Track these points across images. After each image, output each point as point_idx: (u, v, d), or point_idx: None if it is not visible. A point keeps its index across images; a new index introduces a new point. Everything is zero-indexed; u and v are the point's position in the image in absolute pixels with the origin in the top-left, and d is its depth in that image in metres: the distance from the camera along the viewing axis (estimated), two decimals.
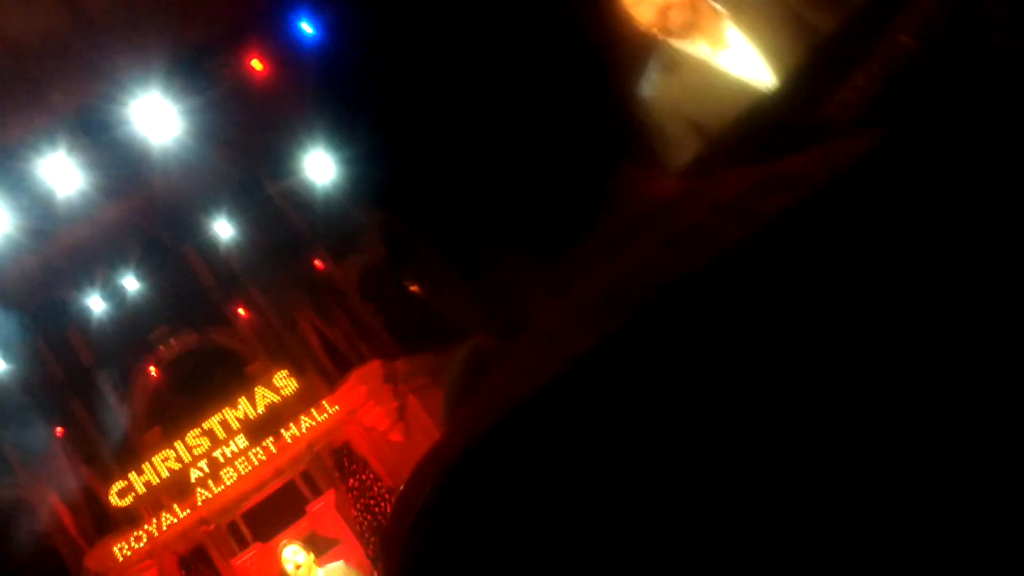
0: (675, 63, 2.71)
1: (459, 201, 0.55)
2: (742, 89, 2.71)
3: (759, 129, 2.31)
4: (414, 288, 0.64)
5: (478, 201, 0.54)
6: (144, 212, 12.63)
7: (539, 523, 0.39)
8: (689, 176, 0.54)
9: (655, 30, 2.67)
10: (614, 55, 0.56)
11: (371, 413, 12.71)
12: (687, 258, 0.45)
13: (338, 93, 0.59)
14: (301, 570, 5.17)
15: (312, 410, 12.65)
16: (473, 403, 0.47)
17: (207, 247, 13.25)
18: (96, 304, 12.88)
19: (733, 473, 0.38)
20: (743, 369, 0.40)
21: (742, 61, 2.72)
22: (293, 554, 5.24)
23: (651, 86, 2.68)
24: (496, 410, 0.43)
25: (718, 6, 2.71)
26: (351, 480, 12.38)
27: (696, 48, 2.71)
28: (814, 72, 2.69)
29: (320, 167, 12.12)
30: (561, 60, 0.54)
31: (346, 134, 0.59)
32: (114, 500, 12.38)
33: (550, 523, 0.39)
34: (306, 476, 12.82)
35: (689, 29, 2.67)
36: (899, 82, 2.58)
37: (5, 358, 12.51)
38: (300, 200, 13.07)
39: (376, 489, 12.26)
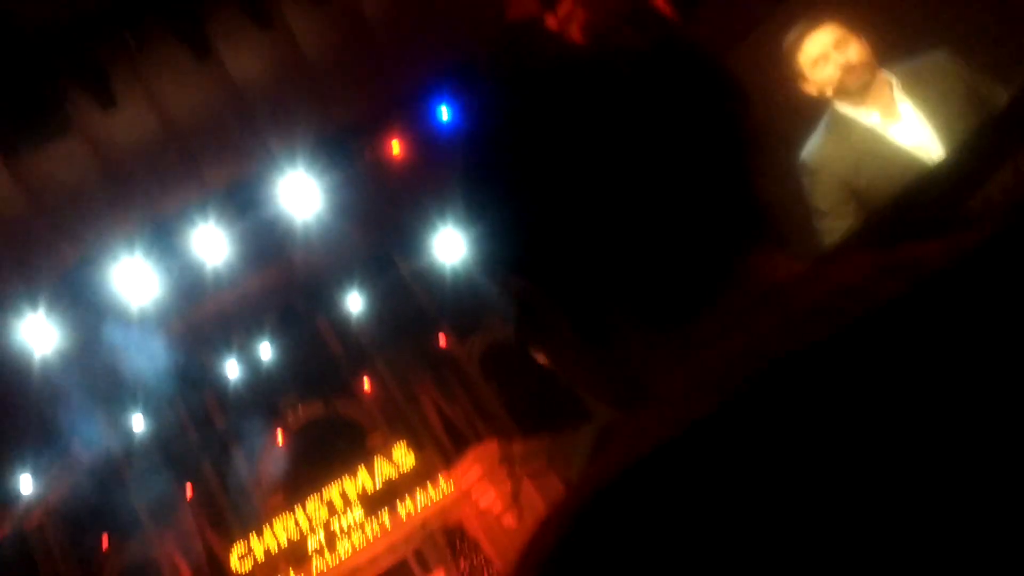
0: (845, 127, 2.70)
1: (590, 272, 0.57)
2: (908, 162, 2.66)
3: (902, 220, 2.23)
4: (540, 358, 0.66)
5: (608, 273, 0.57)
6: (282, 284, 13.23)
7: None
8: (815, 259, 0.55)
9: (831, 91, 2.68)
10: (755, 136, 0.59)
11: (485, 494, 12.58)
12: (804, 336, 0.46)
13: (477, 166, 0.63)
14: None
15: (428, 486, 12.67)
16: (594, 466, 0.48)
17: (338, 320, 13.69)
18: (232, 370, 13.45)
19: (844, 549, 0.38)
20: (851, 442, 0.41)
21: (912, 134, 2.67)
22: None
23: (816, 148, 2.68)
24: (613, 470, 0.45)
25: (892, 77, 2.68)
26: (462, 562, 12.25)
27: (867, 115, 2.69)
28: (963, 164, 2.58)
29: (448, 245, 12.42)
30: (699, 138, 0.56)
31: (485, 204, 0.62)
32: (234, 564, 12.66)
33: None
34: (418, 555, 12.78)
35: (865, 93, 2.66)
36: None
37: (145, 415, 13.16)
38: (428, 277, 13.40)
39: (487, 573, 12.07)
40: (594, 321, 0.58)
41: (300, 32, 7.05)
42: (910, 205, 2.30)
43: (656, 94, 0.56)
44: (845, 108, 2.66)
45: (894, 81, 2.66)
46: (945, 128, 2.62)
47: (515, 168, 0.59)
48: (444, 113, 8.75)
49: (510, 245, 0.61)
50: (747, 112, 0.59)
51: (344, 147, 8.93)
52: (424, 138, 9.25)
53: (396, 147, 9.95)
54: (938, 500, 0.39)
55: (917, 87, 2.66)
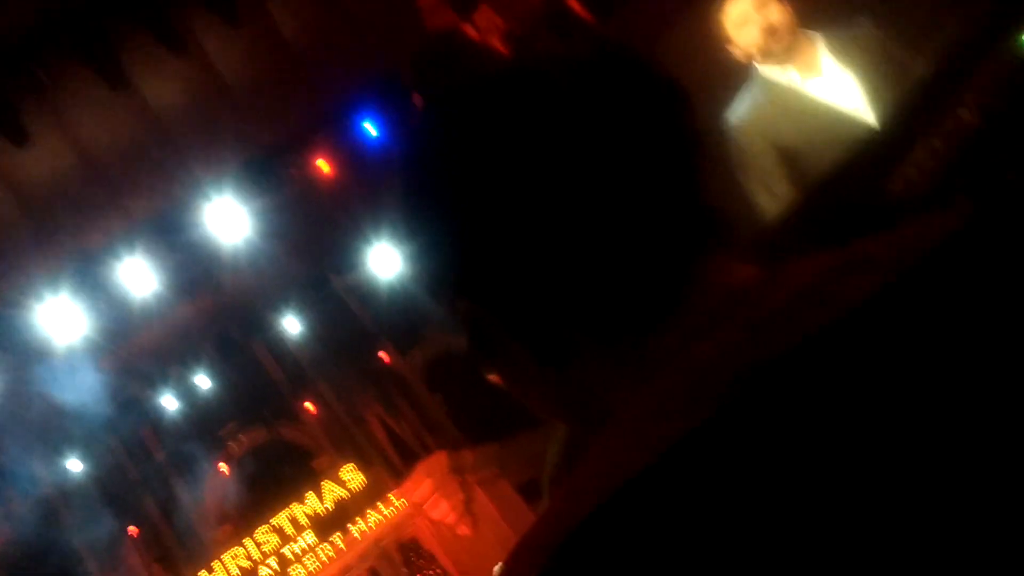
0: (767, 87, 2.74)
1: (537, 289, 0.54)
2: (827, 113, 2.71)
3: (824, 208, 2.29)
4: (493, 378, 0.63)
5: (556, 289, 0.54)
6: (215, 311, 12.97)
7: None
8: (764, 261, 0.54)
9: (755, 53, 2.72)
10: (698, 138, 0.56)
11: (438, 506, 12.56)
12: (769, 345, 0.44)
13: (413, 189, 0.59)
14: None
15: (379, 504, 12.56)
16: (567, 492, 0.47)
17: (275, 343, 13.49)
18: (169, 403, 13.13)
19: (824, 557, 0.37)
20: (831, 455, 0.39)
21: (832, 88, 2.73)
22: None
23: (740, 111, 2.71)
24: (586, 502, 0.43)
25: (814, 33, 2.74)
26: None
27: (788, 74, 2.74)
28: (875, 150, 2.67)
29: (383, 260, 12.34)
30: (641, 144, 0.54)
31: (424, 227, 0.59)
32: None
33: None
34: (374, 573, 12.65)
35: (787, 54, 2.71)
36: (961, 157, 2.54)
37: (82, 459, 12.77)
38: (365, 294, 13.29)
39: None
40: (547, 340, 0.55)
41: (216, 56, 6.94)
42: (837, 187, 2.36)
43: (594, 100, 0.54)
44: (767, 70, 2.72)
45: (820, 41, 2.71)
46: (869, 89, 2.69)
47: (451, 189, 0.56)
48: (370, 129, 8.72)
49: (452, 267, 0.58)
50: (689, 114, 0.57)
51: (271, 169, 8.82)
52: (352, 154, 9.19)
53: (324, 165, 9.86)
54: (932, 506, 0.37)
55: (843, 51, 2.73)
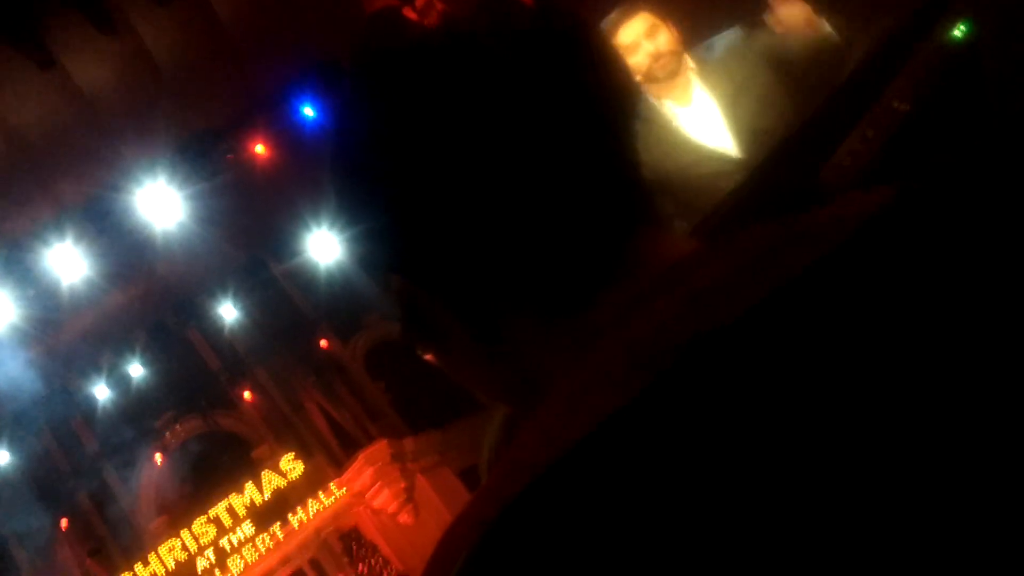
0: (648, 113, 2.79)
1: (471, 264, 0.54)
2: (686, 147, 2.78)
3: (760, 194, 2.33)
4: (429, 358, 0.62)
5: (491, 263, 0.53)
6: (149, 298, 12.68)
7: None
8: (705, 235, 0.54)
9: (640, 77, 2.75)
10: (623, 112, 0.55)
11: (379, 495, 12.52)
12: (709, 316, 0.44)
13: (343, 163, 0.59)
14: None
15: (320, 493, 12.47)
16: (499, 470, 0.46)
17: (212, 331, 13.26)
18: (101, 392, 12.83)
19: (762, 535, 0.37)
20: (767, 428, 0.39)
21: (697, 119, 2.79)
22: None
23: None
24: (521, 476, 0.42)
25: (691, 63, 2.79)
26: (360, 566, 12.12)
27: (665, 101, 2.79)
28: (809, 137, 2.72)
29: (324, 246, 12.21)
30: (571, 121, 0.53)
31: (356, 205, 0.58)
32: None
33: None
34: (314, 564, 12.56)
35: (669, 80, 2.75)
36: (893, 144, 2.61)
37: (10, 450, 12.40)
38: (304, 280, 13.14)
39: (386, 574, 11.99)
40: (482, 316, 0.55)
41: (149, 37, 6.75)
42: (769, 177, 2.40)
43: (523, 70, 0.53)
44: (650, 94, 2.77)
45: (692, 66, 2.77)
46: (733, 109, 2.76)
47: (381, 162, 0.55)
48: (308, 111, 8.59)
49: (384, 243, 0.57)
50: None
51: (206, 153, 8.64)
52: (290, 138, 9.05)
53: (261, 149, 9.69)
54: (857, 484, 0.37)
55: (710, 68, 2.80)
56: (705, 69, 2.80)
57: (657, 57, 2.72)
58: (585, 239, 0.52)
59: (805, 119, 2.73)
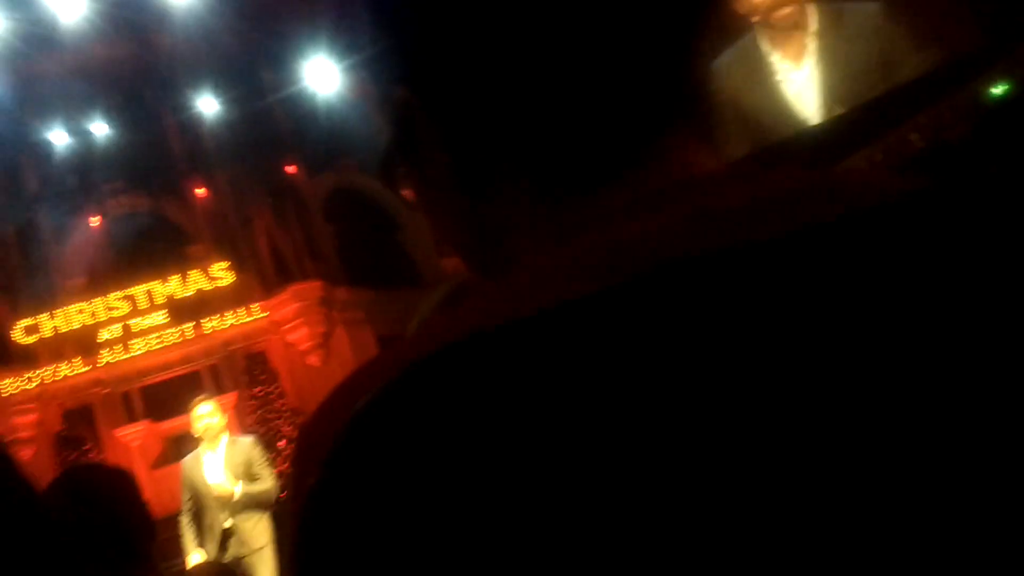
0: (754, 57, 2.73)
1: (484, 103, 0.49)
2: (786, 107, 2.75)
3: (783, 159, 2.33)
4: (405, 192, 0.57)
5: (503, 112, 0.48)
6: (135, 62, 12.30)
7: (490, 461, 0.36)
8: (739, 160, 0.50)
9: (757, 17, 2.68)
10: (703, 19, 0.50)
11: (297, 331, 12.61)
12: (710, 238, 0.40)
13: None
14: (210, 430, 5.00)
15: (240, 309, 12.50)
16: (426, 330, 0.43)
17: (186, 119, 12.95)
18: (59, 138, 12.53)
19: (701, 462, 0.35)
20: (724, 367, 0.37)
21: (803, 83, 2.75)
22: (208, 413, 5.03)
23: (724, 65, 2.69)
24: (448, 337, 0.39)
25: (814, 20, 2.71)
26: (257, 388, 12.29)
27: (775, 53, 2.74)
28: (828, 135, 2.71)
29: (320, 75, 11.91)
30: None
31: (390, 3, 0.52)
32: (18, 335, 12.14)
33: (502, 463, 0.36)
34: (214, 371, 12.69)
35: (786, 32, 2.69)
36: (898, 170, 2.61)
37: None
38: (293, 104, 12.84)
39: (279, 404, 12.18)
40: (475, 164, 0.50)
41: None
42: (782, 156, 2.39)
43: None
44: (761, 39, 2.69)
45: (814, 25, 2.68)
46: (840, 82, 2.71)
47: None
48: None
49: (403, 44, 0.51)
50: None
51: None
52: None
53: None
54: (851, 438, 0.36)
55: (833, 33, 2.72)
56: (827, 25, 2.71)
57: (781, 3, 2.63)
58: (610, 124, 0.48)
59: (839, 113, 2.71)
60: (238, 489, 4.89)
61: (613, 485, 0.35)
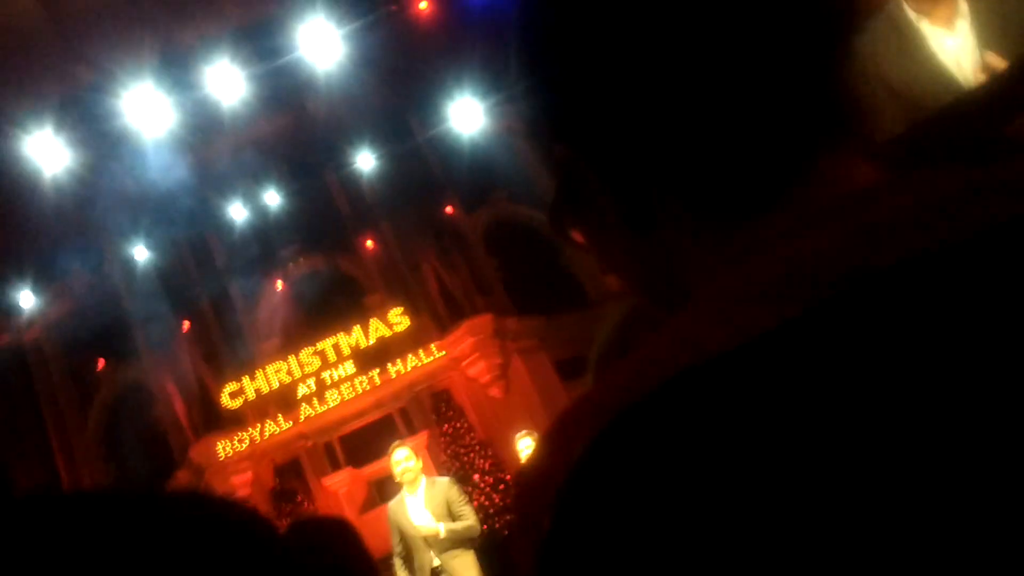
0: (902, 25, 2.60)
1: (640, 147, 0.50)
2: (941, 78, 2.57)
3: (948, 130, 2.17)
4: (576, 235, 0.59)
5: (661, 151, 0.49)
6: (295, 132, 13.07)
7: (701, 501, 0.36)
8: (892, 166, 0.48)
9: None
10: (845, 29, 0.50)
11: (475, 365, 12.87)
12: (883, 250, 0.40)
13: (531, 20, 0.55)
14: (408, 474, 5.23)
15: (420, 351, 12.91)
16: (627, 365, 0.43)
17: (348, 177, 13.62)
18: (238, 213, 13.47)
19: (890, 477, 0.34)
20: (917, 375, 0.36)
21: (958, 52, 2.57)
22: (405, 457, 5.28)
23: (868, 44, 2.59)
24: (656, 374, 0.39)
25: None
26: (446, 426, 12.61)
27: (926, 21, 2.59)
28: (1012, 88, 2.48)
29: (467, 116, 12.21)
30: (787, 6, 0.48)
31: (535, 64, 0.54)
32: (225, 400, 13.03)
33: (710, 502, 0.36)
34: (404, 413, 13.14)
35: (935, 1, 2.55)
36: None
37: (148, 246, 13.27)
38: (442, 146, 13.24)
39: (468, 439, 12.45)
40: (639, 203, 0.51)
41: None
42: (952, 120, 2.22)
43: None
44: (907, 6, 2.56)
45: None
46: (1002, 42, 2.52)
47: (576, 22, 0.51)
48: None
49: (556, 108, 0.54)
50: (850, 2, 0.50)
51: None
52: None
53: (424, 4, 9.62)
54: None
55: (985, 5, 2.55)
56: (979, 3, 2.56)
57: None
58: (766, 147, 0.48)
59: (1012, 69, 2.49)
60: (443, 528, 5.02)
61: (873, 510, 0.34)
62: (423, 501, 5.18)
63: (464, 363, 12.94)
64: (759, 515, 0.35)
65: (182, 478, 12.82)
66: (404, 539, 5.17)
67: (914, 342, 0.36)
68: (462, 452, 12.25)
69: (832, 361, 0.37)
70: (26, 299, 13.35)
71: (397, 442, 5.53)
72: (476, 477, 11.72)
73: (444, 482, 5.39)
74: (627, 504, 0.37)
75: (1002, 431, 0.34)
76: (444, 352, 12.91)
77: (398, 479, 5.26)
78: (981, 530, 0.33)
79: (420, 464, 5.36)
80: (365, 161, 13.27)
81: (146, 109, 7.73)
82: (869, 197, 0.45)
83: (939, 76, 2.60)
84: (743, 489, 0.35)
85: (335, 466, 12.97)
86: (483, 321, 12.79)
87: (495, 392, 12.87)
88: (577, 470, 0.39)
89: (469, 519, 5.14)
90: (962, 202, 0.41)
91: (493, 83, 10.76)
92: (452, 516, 5.13)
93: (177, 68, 8.00)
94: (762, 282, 0.42)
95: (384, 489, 11.35)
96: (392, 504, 5.29)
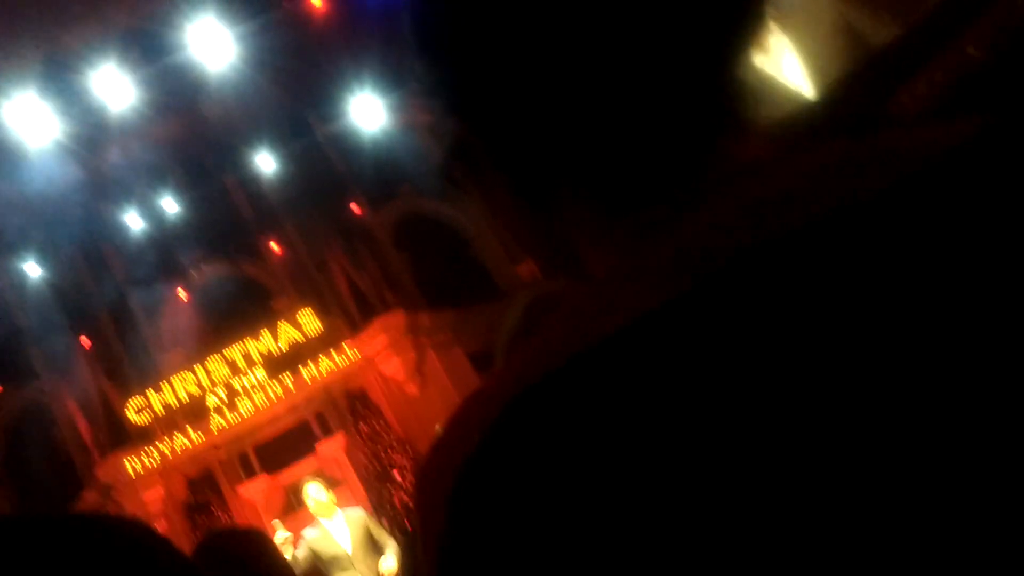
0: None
1: (536, 128, 0.50)
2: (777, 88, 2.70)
3: (829, 115, 2.27)
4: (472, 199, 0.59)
5: (556, 131, 0.50)
6: (190, 136, 12.70)
7: (598, 483, 0.37)
8: (781, 145, 0.50)
9: None
10: (741, 17, 0.51)
11: (389, 363, 12.79)
12: (767, 225, 0.41)
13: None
14: (321, 507, 5.22)
15: (332, 352, 12.75)
16: (528, 349, 0.44)
17: (248, 179, 13.32)
18: (134, 222, 13.01)
19: (779, 455, 0.35)
20: (808, 349, 0.37)
21: (775, 67, 2.70)
22: (316, 491, 5.29)
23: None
24: (551, 360, 0.40)
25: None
26: (362, 426, 12.50)
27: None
28: (868, 78, 2.62)
29: (367, 112, 12.09)
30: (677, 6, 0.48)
31: (433, 33, 0.53)
32: (131, 416, 12.61)
33: (609, 483, 0.37)
34: (319, 416, 12.96)
35: None
36: (962, 89, 2.52)
37: (40, 264, 12.72)
38: (344, 143, 13.07)
39: (386, 438, 12.37)
40: (534, 183, 0.52)
41: None
42: (840, 99, 2.33)
43: None
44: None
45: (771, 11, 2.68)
46: (811, 58, 2.65)
47: (470, 6, 0.50)
48: None
49: (453, 82, 0.53)
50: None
51: None
52: None
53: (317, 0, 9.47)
54: (911, 408, 0.35)
55: (791, 17, 2.68)
56: (787, 15, 2.68)
57: None
58: (661, 136, 0.48)
59: (881, 48, 2.63)
60: (392, 564, 5.08)
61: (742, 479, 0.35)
62: (347, 531, 5.22)
63: (378, 361, 12.84)
64: (639, 497, 0.36)
65: (88, 498, 12.36)
66: (323, 564, 5.17)
67: (789, 316, 0.37)
68: (380, 451, 12.17)
69: (712, 339, 0.38)
70: None
71: (308, 476, 5.68)
72: (397, 475, 11.66)
73: (361, 514, 5.48)
74: (518, 491, 0.38)
75: (877, 393, 0.36)
76: (357, 351, 12.78)
77: (313, 511, 5.29)
78: (846, 495, 0.35)
79: (332, 497, 5.40)
80: (265, 162, 13.00)
81: (30, 118, 7.41)
82: (755, 173, 0.46)
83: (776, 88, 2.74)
84: (625, 471, 0.36)
85: (250, 474, 12.70)
86: (395, 317, 12.70)
87: (411, 389, 12.81)
88: (470, 461, 0.40)
89: (392, 547, 5.25)
90: (842, 173, 0.43)
91: (393, 78, 10.68)
92: (376, 546, 5.22)
93: (62, 74, 7.68)
94: (651, 263, 0.43)
95: (300, 494, 11.16)
96: (312, 536, 5.27)
